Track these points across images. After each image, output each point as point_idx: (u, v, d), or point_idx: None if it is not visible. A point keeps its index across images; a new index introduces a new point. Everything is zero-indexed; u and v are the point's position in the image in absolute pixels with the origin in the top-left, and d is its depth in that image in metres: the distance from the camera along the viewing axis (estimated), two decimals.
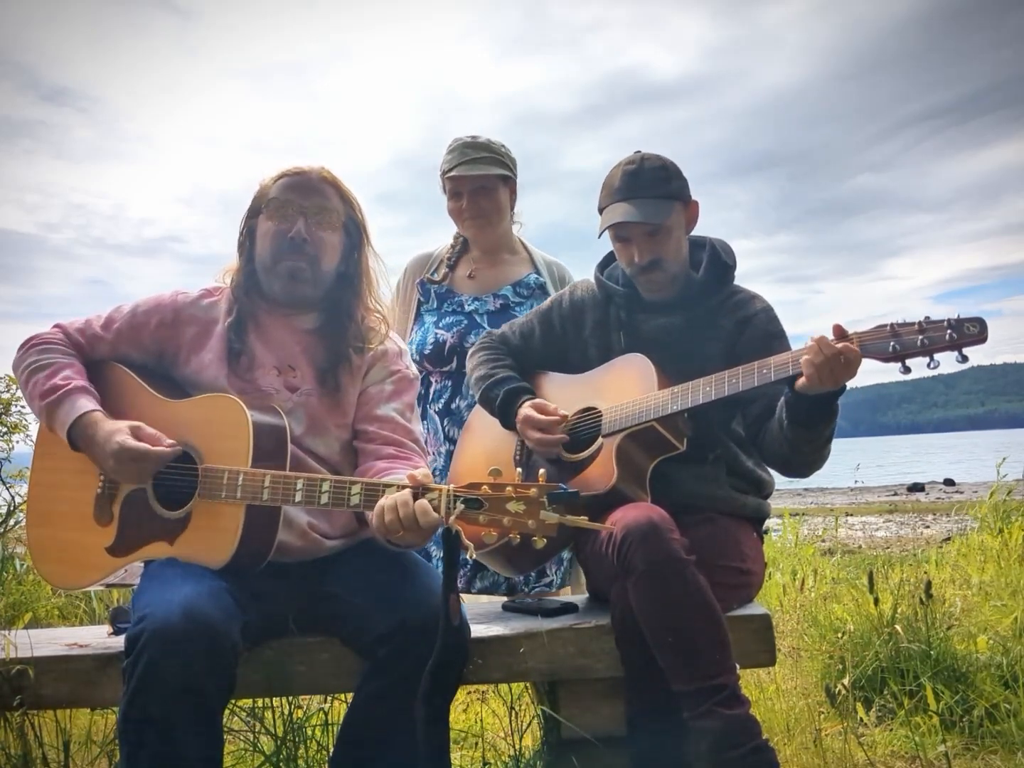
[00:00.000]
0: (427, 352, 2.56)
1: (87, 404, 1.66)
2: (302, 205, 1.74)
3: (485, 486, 1.43)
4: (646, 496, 1.82)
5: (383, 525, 1.46)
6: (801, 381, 1.63)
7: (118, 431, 1.61)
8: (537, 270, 2.71)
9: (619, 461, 1.83)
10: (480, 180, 2.57)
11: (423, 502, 1.44)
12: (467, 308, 2.61)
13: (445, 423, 2.56)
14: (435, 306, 2.65)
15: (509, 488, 1.41)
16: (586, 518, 1.41)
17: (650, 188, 1.92)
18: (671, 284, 1.98)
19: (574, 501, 1.40)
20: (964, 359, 1.51)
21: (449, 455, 2.49)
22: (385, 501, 1.47)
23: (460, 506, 1.43)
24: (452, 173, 2.56)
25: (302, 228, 1.72)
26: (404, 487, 1.48)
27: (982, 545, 4.29)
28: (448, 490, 1.45)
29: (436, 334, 2.58)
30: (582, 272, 2.43)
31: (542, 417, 1.95)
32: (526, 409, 1.99)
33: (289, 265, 1.73)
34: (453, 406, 2.56)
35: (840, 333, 1.61)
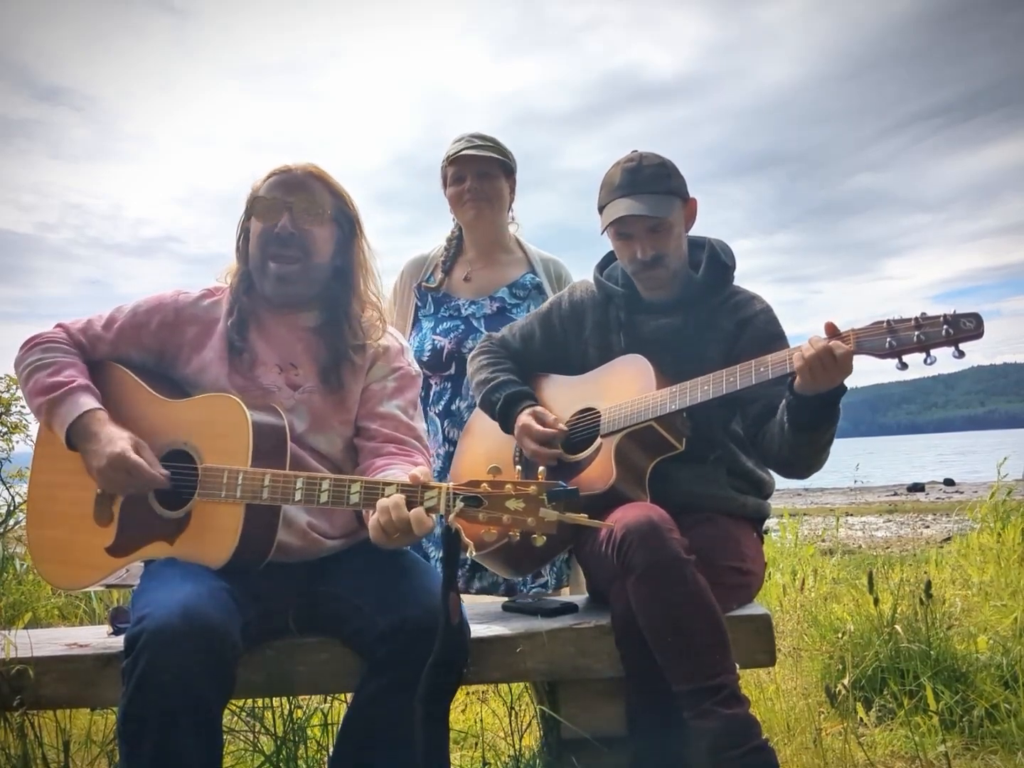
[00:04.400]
0: (425, 359, 2.57)
1: (90, 402, 1.66)
2: (286, 201, 1.74)
3: (484, 484, 1.43)
4: (645, 496, 1.82)
5: (378, 527, 1.46)
6: (797, 381, 1.63)
7: (122, 438, 1.61)
8: (533, 269, 2.71)
9: (618, 461, 1.83)
10: (485, 164, 2.60)
11: (419, 510, 1.44)
12: (464, 312, 2.62)
13: (445, 424, 2.57)
14: (432, 311, 2.66)
15: (509, 486, 1.41)
16: (585, 515, 1.41)
17: (651, 184, 1.92)
18: (671, 282, 1.98)
19: (573, 498, 1.40)
20: (961, 355, 1.50)
21: (449, 456, 2.49)
22: (379, 503, 1.47)
23: (460, 504, 1.43)
24: (460, 153, 2.59)
25: (287, 223, 1.72)
26: (404, 486, 1.48)
27: (982, 545, 4.29)
28: (447, 488, 1.45)
29: (434, 340, 2.59)
30: (580, 272, 2.43)
31: (540, 429, 1.95)
32: (525, 417, 1.99)
33: (276, 267, 1.73)
34: (453, 407, 2.57)
35: (832, 331, 1.60)
